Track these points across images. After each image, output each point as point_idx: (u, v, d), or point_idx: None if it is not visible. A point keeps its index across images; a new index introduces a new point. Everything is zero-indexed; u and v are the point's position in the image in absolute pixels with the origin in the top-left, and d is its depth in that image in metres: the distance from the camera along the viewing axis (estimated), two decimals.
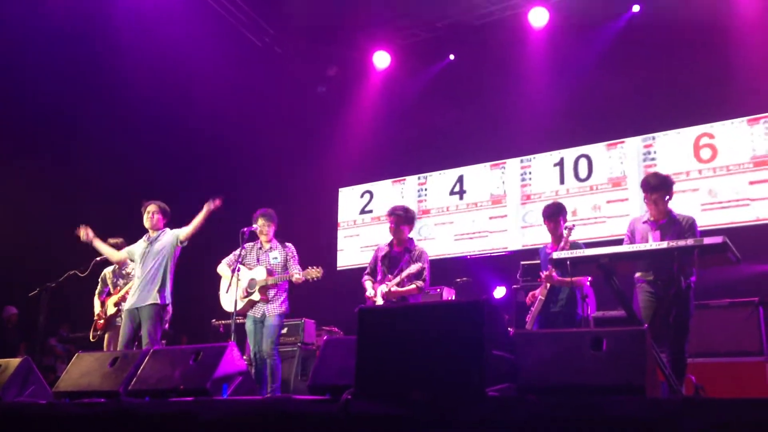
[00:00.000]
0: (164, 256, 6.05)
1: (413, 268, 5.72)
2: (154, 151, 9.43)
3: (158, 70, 8.94)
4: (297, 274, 6.04)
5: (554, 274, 5.43)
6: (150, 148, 9.38)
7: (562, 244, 5.52)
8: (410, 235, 6.09)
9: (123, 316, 6.10)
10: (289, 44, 10.28)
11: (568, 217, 5.95)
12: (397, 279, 5.74)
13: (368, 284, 5.98)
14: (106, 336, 6.68)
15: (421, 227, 9.66)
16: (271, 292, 6.07)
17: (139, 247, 6.19)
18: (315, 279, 6.00)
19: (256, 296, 6.03)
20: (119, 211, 8.07)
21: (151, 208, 6.20)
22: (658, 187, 4.98)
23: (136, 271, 6.12)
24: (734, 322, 5.56)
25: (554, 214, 5.77)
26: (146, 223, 6.19)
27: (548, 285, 5.55)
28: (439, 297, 7.43)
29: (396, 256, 5.94)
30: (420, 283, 5.79)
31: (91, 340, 6.77)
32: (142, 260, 6.06)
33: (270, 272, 6.10)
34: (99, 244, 6.29)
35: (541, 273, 5.70)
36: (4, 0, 7.95)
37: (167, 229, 6.21)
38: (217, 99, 9.50)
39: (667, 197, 5.00)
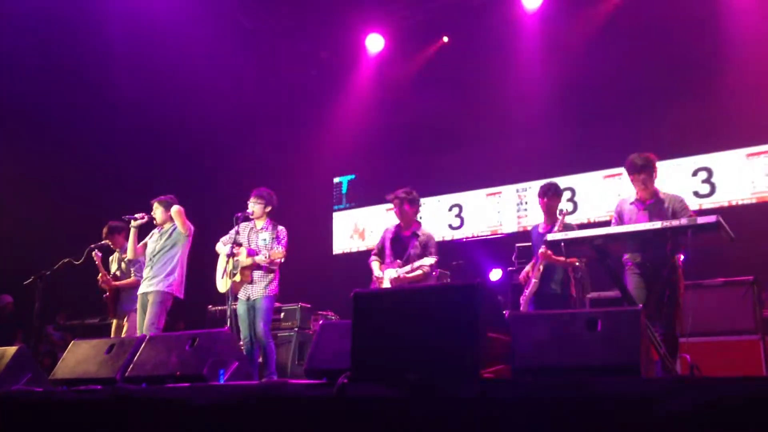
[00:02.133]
0: (175, 247, 6.17)
1: (426, 262, 5.71)
2: (145, 138, 9.38)
3: (145, 56, 8.86)
4: (263, 256, 5.90)
5: (550, 252, 5.44)
6: (141, 135, 9.33)
7: (556, 227, 5.53)
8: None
9: (137, 302, 6.21)
10: (280, 27, 10.19)
11: (566, 195, 5.96)
12: (408, 268, 5.74)
13: (375, 265, 5.98)
14: (114, 323, 6.69)
15: (422, 207, 9.70)
16: (256, 274, 5.96)
17: (151, 240, 6.31)
18: (280, 260, 5.92)
19: (237, 278, 5.92)
20: (113, 199, 8.04)
21: (156, 205, 6.31)
22: (644, 166, 4.98)
23: (148, 262, 6.22)
24: (729, 301, 5.57)
25: (549, 192, 5.80)
26: (156, 219, 6.30)
27: (541, 267, 5.56)
28: (434, 280, 7.43)
29: (404, 239, 5.94)
30: (427, 268, 5.78)
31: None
32: (153, 252, 6.19)
33: (250, 253, 5.99)
34: (134, 234, 6.30)
35: (536, 253, 5.73)
36: None
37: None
38: (207, 84, 9.43)
39: (654, 176, 5.01)
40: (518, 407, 2.72)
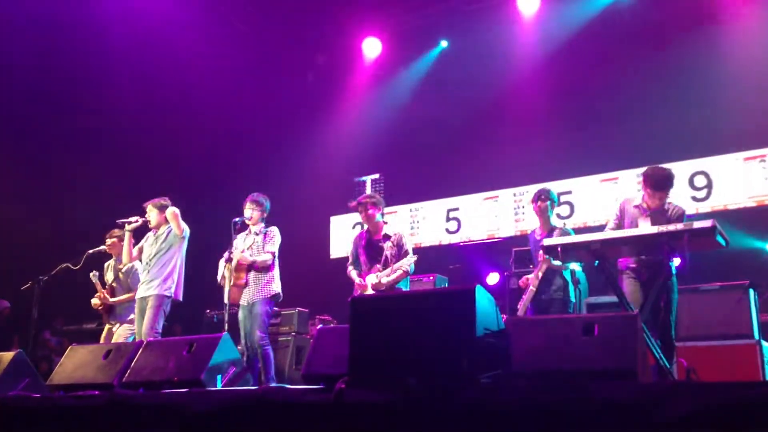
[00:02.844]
0: (171, 250, 6.13)
1: (405, 263, 5.72)
2: (144, 143, 9.38)
3: (144, 61, 8.88)
4: (247, 254, 5.87)
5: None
6: (139, 140, 9.34)
7: (556, 232, 5.55)
8: (385, 219, 6.10)
9: (135, 307, 6.17)
10: (277, 32, 10.19)
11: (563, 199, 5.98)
12: (388, 271, 5.73)
13: (354, 274, 5.97)
14: (106, 328, 6.67)
15: (420, 211, 9.74)
16: (251, 275, 5.89)
17: (147, 244, 6.26)
18: (267, 261, 5.90)
19: (231, 280, 5.82)
20: (112, 204, 8.03)
21: (149, 207, 6.23)
22: (664, 185, 4.90)
23: (144, 266, 6.18)
24: (725, 306, 5.58)
25: (542, 197, 5.83)
26: (150, 222, 6.23)
27: (540, 274, 5.57)
28: (432, 284, 7.44)
29: (377, 243, 5.93)
30: (407, 267, 5.80)
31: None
32: (150, 256, 6.14)
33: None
34: (129, 239, 6.22)
35: (537, 258, 5.76)
36: None
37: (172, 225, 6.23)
38: (206, 89, 9.44)
39: (667, 191, 4.97)
40: (516, 411, 2.72)
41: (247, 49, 9.99)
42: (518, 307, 5.68)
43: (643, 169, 5.07)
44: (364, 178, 10.35)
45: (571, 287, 5.71)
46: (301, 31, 10.06)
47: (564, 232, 5.57)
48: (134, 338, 6.18)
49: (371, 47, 10.05)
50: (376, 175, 10.28)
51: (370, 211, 5.91)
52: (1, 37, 8.02)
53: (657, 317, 4.62)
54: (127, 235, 6.21)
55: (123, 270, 6.64)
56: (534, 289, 5.60)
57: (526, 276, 5.85)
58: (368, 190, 10.02)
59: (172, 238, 6.16)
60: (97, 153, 9.26)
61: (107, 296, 6.52)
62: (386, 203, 6.16)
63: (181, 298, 6.14)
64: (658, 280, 4.40)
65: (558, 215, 5.86)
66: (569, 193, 8.71)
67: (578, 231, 6.17)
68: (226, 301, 5.92)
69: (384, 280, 5.71)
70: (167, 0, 8.79)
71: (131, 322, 6.45)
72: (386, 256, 5.77)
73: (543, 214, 5.83)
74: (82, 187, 9.21)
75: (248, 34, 10.02)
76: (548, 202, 5.84)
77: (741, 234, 6.56)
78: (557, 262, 5.42)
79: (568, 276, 5.71)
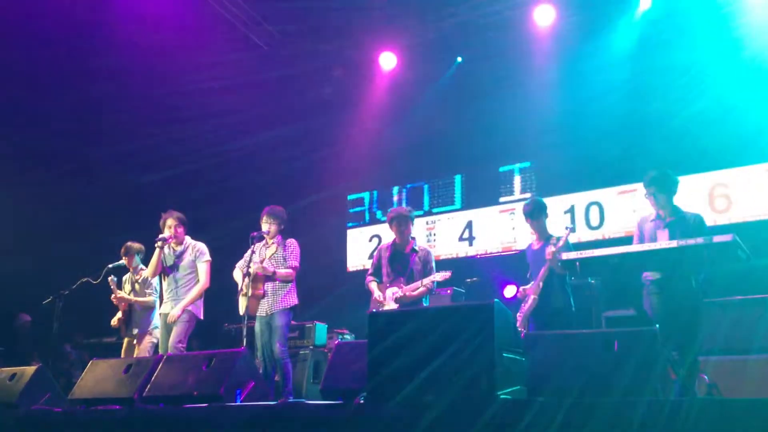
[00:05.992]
0: (195, 269, 6.17)
1: (429, 280, 5.75)
2: (162, 156, 9.47)
3: (160, 75, 8.97)
4: (270, 266, 5.90)
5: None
6: (157, 154, 9.42)
7: (560, 244, 5.49)
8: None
9: (159, 322, 6.22)
10: (293, 46, 10.27)
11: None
12: (412, 285, 5.77)
13: (374, 286, 5.97)
14: (125, 341, 6.71)
15: (436, 224, 9.73)
16: (269, 286, 5.90)
17: (167, 259, 6.23)
18: (288, 273, 5.94)
19: (249, 291, 5.83)
20: (130, 218, 8.12)
21: (171, 222, 6.20)
22: (652, 182, 4.97)
23: (167, 282, 6.20)
24: (746, 319, 5.52)
25: (537, 213, 5.79)
26: (173, 240, 6.24)
27: (541, 284, 5.49)
28: (448, 298, 7.44)
29: (404, 257, 5.94)
30: (431, 285, 5.82)
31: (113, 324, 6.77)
32: (173, 272, 6.15)
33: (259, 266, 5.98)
34: (158, 254, 6.20)
35: (535, 269, 5.69)
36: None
37: (188, 239, 6.27)
38: (222, 103, 9.52)
39: (667, 194, 4.97)
40: (534, 428, 2.71)
41: (264, 63, 10.07)
42: (517, 317, 5.54)
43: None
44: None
45: (572, 297, 5.62)
46: (319, 45, 10.13)
47: (565, 246, 5.51)
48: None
49: (387, 61, 10.11)
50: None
51: (403, 226, 5.94)
52: (9, 49, 8.12)
53: (679, 331, 4.58)
54: (157, 251, 6.22)
55: (139, 281, 6.70)
56: (536, 297, 5.51)
57: (523, 287, 5.76)
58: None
59: (197, 256, 6.19)
60: (117, 167, 9.36)
61: (123, 295, 6.58)
62: (390, 215, 6.14)
63: (201, 317, 6.18)
64: (679, 293, 4.37)
65: (569, 229, 5.84)
66: (574, 206, 8.67)
67: (596, 244, 6.15)
68: (242, 313, 5.94)
69: (410, 294, 5.74)
70: (183, 16, 8.88)
71: (151, 333, 6.51)
72: (412, 270, 5.80)
73: (540, 228, 5.82)
74: (102, 201, 9.30)
75: (266, 49, 10.10)
76: (542, 216, 5.82)
77: (761, 247, 6.48)
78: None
79: (569, 288, 5.61)
